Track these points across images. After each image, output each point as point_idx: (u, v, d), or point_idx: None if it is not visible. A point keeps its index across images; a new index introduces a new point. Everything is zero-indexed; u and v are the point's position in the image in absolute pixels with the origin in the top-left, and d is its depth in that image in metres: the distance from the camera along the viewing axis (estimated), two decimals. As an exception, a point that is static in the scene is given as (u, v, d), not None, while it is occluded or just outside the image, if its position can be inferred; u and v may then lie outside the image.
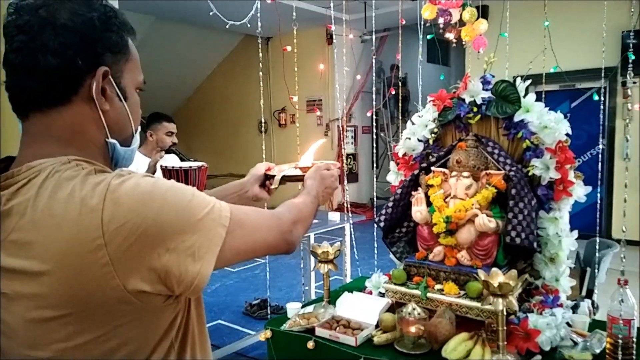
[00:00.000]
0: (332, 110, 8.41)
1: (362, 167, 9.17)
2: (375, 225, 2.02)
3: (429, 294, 1.68)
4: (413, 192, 1.85)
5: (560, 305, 1.67)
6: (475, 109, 1.88)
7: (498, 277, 1.41)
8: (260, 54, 2.96)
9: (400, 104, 4.63)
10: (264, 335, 1.83)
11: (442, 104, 1.96)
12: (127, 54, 0.79)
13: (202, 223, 0.70)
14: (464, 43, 2.25)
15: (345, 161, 8.16)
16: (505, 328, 1.42)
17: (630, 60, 2.55)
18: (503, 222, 1.66)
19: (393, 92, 4.84)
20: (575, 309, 1.76)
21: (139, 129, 0.86)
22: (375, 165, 4.99)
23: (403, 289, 1.76)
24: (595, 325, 1.69)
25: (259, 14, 2.84)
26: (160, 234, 0.66)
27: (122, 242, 0.64)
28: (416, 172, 1.93)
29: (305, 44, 7.03)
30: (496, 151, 1.78)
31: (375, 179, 3.61)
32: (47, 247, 0.64)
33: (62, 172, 0.68)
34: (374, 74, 4.22)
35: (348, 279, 3.91)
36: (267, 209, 0.95)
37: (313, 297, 3.74)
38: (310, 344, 1.69)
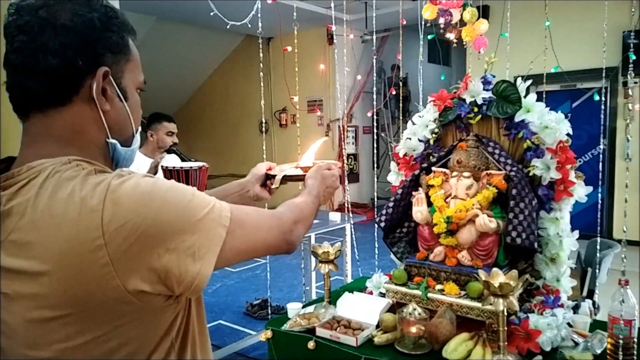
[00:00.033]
0: (333, 111, 8.42)
1: (363, 168, 9.17)
2: (376, 225, 2.02)
3: (429, 294, 1.68)
4: (414, 193, 1.85)
5: (561, 306, 1.67)
6: (475, 109, 1.88)
7: (499, 278, 1.41)
8: (261, 54, 2.96)
9: (401, 104, 4.64)
10: (265, 335, 1.83)
11: (442, 104, 1.96)
12: (128, 54, 0.79)
13: (202, 223, 0.70)
14: (464, 43, 2.25)
15: (346, 161, 8.16)
16: (506, 328, 1.42)
17: (631, 60, 2.55)
18: (504, 222, 1.66)
19: (394, 92, 4.85)
20: (576, 309, 1.76)
21: (140, 129, 0.86)
22: (376, 165, 4.99)
23: (404, 289, 1.75)
24: (596, 325, 1.69)
25: (259, 14, 2.84)
26: (160, 234, 0.66)
27: (122, 242, 0.64)
28: (417, 172, 1.93)
29: (306, 44, 7.05)
30: (497, 151, 1.78)
31: (376, 179, 3.61)
32: (47, 247, 0.65)
33: (62, 173, 0.68)
34: (375, 74, 4.23)
35: (349, 279, 3.92)
36: (268, 208, 0.95)
37: (314, 297, 3.74)
38: (311, 344, 1.69)
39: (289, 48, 3.06)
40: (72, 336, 0.66)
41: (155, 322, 0.72)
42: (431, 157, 1.98)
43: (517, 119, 1.77)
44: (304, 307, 1.99)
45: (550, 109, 1.77)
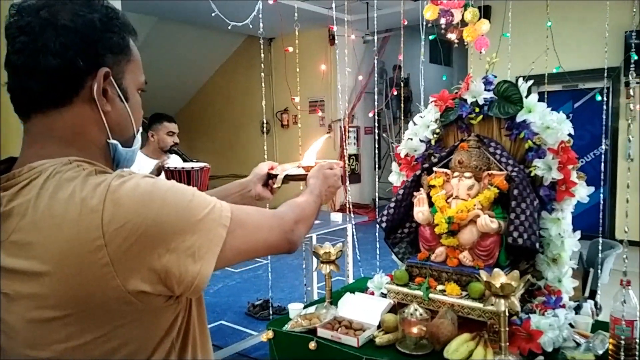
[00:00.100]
0: (335, 111, 8.42)
1: (365, 168, 9.17)
2: (377, 225, 2.02)
3: (431, 295, 1.68)
4: (415, 193, 1.85)
5: (563, 306, 1.67)
6: (477, 110, 1.88)
7: (500, 278, 1.41)
8: (263, 55, 2.96)
9: (402, 105, 4.63)
10: (266, 335, 1.83)
11: (444, 105, 1.96)
12: (129, 55, 0.79)
13: (202, 223, 0.70)
14: (466, 43, 2.25)
15: (347, 162, 8.15)
16: (507, 329, 1.42)
17: (633, 61, 2.55)
18: (505, 222, 1.65)
19: (395, 93, 4.84)
20: (578, 309, 1.75)
21: (141, 129, 0.86)
22: (377, 165, 4.99)
23: (405, 289, 1.75)
24: (598, 326, 1.68)
25: (260, 15, 2.84)
26: (161, 234, 0.66)
27: (122, 243, 0.64)
28: (418, 172, 1.93)
29: (307, 44, 7.06)
30: (498, 152, 1.77)
31: (377, 180, 3.61)
32: (48, 247, 0.65)
33: (63, 173, 0.68)
34: (376, 75, 4.23)
35: (350, 280, 3.91)
36: (269, 208, 0.95)
37: (315, 297, 3.74)
38: (312, 345, 1.68)
39: (291, 48, 3.06)
40: (72, 336, 0.67)
41: (155, 323, 0.72)
42: (432, 158, 1.98)
43: (519, 119, 1.77)
44: (305, 307, 1.98)
45: (552, 109, 1.76)
